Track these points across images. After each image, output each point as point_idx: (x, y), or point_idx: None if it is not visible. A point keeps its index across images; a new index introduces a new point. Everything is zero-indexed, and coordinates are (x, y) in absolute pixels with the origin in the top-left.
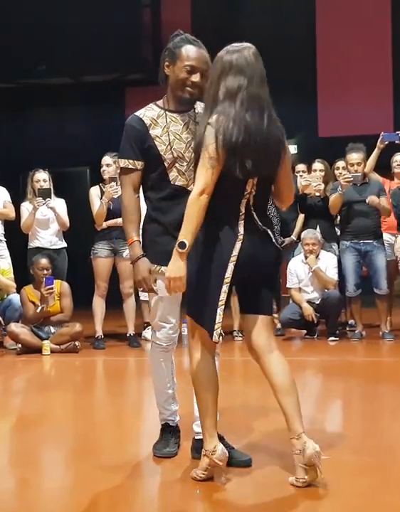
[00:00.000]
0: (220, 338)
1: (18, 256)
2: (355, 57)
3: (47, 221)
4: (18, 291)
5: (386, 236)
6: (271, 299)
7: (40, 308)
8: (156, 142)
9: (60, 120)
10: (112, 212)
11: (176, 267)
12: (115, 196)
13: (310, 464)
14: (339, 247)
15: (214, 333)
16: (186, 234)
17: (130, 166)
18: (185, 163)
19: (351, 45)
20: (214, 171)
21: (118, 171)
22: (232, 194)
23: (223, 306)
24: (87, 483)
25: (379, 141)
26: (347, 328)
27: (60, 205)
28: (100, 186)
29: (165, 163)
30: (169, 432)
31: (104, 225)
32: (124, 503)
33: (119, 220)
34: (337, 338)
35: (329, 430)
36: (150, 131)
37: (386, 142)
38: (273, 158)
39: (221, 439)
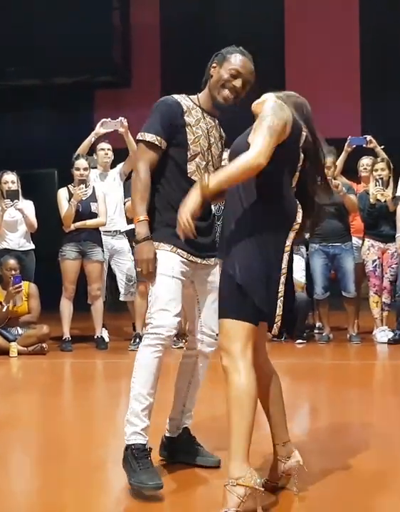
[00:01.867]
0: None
1: None
2: (324, 62)
3: (15, 223)
4: None
5: (352, 239)
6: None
7: (5, 307)
8: (187, 129)
9: (29, 121)
10: (81, 214)
11: (190, 203)
12: (84, 198)
13: (288, 473)
14: (307, 250)
15: (274, 326)
16: (217, 178)
17: (156, 143)
18: (204, 162)
19: (319, 50)
20: (273, 141)
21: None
22: (287, 171)
23: (282, 299)
24: (56, 486)
25: (346, 144)
26: (315, 331)
27: (28, 206)
28: (68, 188)
29: (188, 154)
30: (144, 454)
31: (73, 226)
32: (93, 506)
33: (88, 222)
34: (305, 341)
35: (296, 433)
36: (185, 117)
37: (354, 146)
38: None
39: (192, 437)
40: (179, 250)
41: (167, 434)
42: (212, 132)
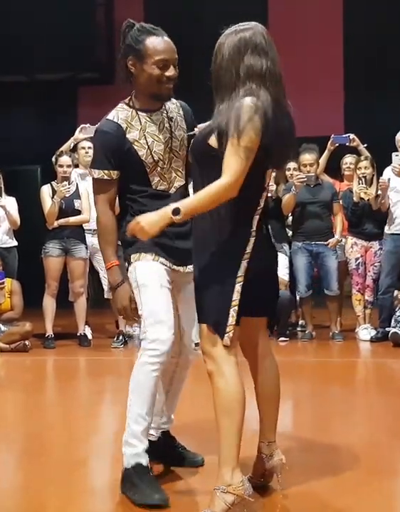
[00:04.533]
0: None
1: None
2: (307, 60)
3: None
4: None
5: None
6: (276, 301)
7: None
8: (135, 147)
9: (12, 118)
10: (64, 212)
11: (154, 220)
12: (67, 195)
13: (271, 472)
14: (290, 248)
15: (225, 336)
16: (188, 208)
17: (106, 177)
18: (165, 166)
19: (303, 48)
20: (248, 164)
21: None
22: (255, 185)
23: (236, 308)
24: (38, 483)
25: (329, 143)
26: (298, 329)
27: (10, 203)
28: (51, 185)
29: (147, 169)
30: (146, 471)
31: (56, 223)
32: (75, 502)
33: (71, 219)
34: (287, 339)
35: (278, 430)
36: (127, 136)
37: (337, 144)
38: (294, 146)
39: (173, 439)
40: (161, 259)
41: (150, 438)
42: (163, 128)
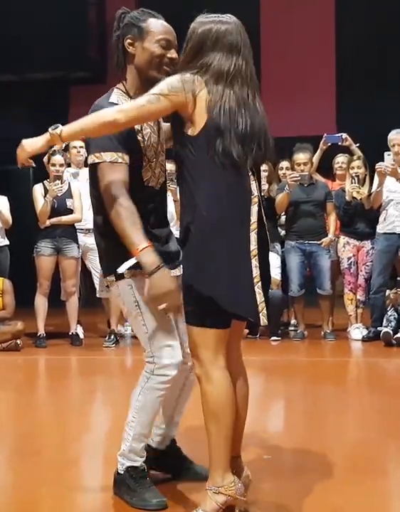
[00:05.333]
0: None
1: None
2: (299, 60)
3: None
4: None
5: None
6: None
7: None
8: (138, 137)
9: (3, 117)
10: (56, 211)
11: (34, 140)
12: (59, 194)
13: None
14: (282, 247)
15: (261, 316)
16: (69, 126)
17: (120, 160)
18: (155, 159)
19: (295, 49)
20: (148, 110)
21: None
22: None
23: (259, 283)
24: (31, 483)
25: (322, 142)
26: (290, 328)
27: (2, 202)
28: (43, 184)
29: (143, 161)
30: (142, 475)
31: (48, 222)
32: (68, 502)
33: (64, 218)
34: (279, 338)
35: (270, 430)
36: None
37: (329, 144)
38: (266, 146)
39: (179, 449)
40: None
41: (153, 445)
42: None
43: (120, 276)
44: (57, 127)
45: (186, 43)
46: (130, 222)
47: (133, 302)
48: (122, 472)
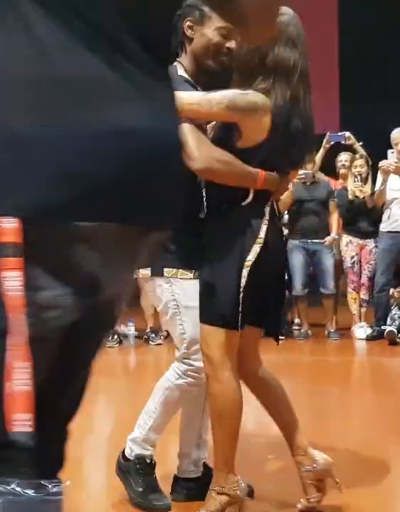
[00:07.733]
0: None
1: None
2: None
3: None
4: None
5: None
6: (279, 310)
7: None
8: None
9: None
10: None
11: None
12: None
13: (321, 479)
14: (286, 246)
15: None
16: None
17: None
18: None
19: None
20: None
21: None
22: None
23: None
24: None
25: (325, 141)
26: (293, 327)
27: None
28: None
29: None
30: (149, 471)
31: None
32: (67, 503)
33: None
34: (283, 337)
35: (275, 430)
36: None
37: (332, 142)
38: (307, 146)
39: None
40: (196, 273)
41: (183, 476)
42: None
43: (157, 272)
44: None
45: None
46: (235, 164)
47: (171, 301)
48: (130, 458)
